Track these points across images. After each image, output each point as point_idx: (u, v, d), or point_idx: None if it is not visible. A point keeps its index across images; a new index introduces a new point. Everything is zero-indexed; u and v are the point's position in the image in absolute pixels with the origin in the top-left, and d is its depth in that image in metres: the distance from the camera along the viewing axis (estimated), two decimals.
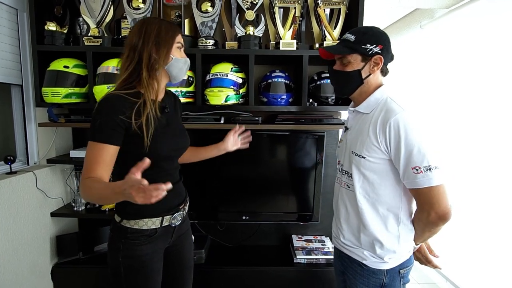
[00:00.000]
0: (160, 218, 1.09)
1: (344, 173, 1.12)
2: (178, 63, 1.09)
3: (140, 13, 1.62)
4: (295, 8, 1.64)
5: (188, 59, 1.14)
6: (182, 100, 1.61)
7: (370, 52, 1.03)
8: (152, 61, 1.01)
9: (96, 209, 1.82)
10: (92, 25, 1.63)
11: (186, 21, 1.72)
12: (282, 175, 1.85)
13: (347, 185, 1.10)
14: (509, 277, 1.85)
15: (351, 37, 1.05)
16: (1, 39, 1.55)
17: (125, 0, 1.63)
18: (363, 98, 1.08)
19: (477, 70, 2.20)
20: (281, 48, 1.61)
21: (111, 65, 1.54)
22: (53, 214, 1.77)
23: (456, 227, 2.01)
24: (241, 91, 1.63)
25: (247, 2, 1.65)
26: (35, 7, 1.56)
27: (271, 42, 1.71)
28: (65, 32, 1.65)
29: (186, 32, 1.71)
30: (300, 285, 1.78)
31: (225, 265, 1.79)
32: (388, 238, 1.03)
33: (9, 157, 1.53)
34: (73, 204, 1.82)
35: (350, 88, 1.09)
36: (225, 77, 1.59)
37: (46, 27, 1.58)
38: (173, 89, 1.57)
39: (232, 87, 1.59)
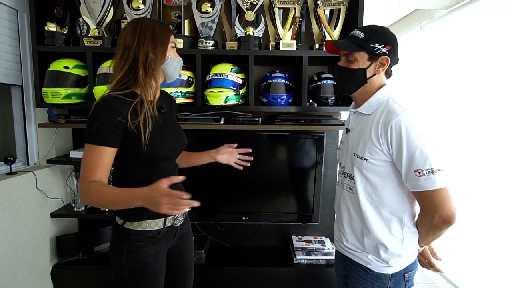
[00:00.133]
0: (163, 219, 1.09)
1: (346, 176, 1.10)
2: (173, 62, 1.10)
3: (140, 14, 1.63)
4: (295, 8, 1.64)
5: (181, 59, 1.15)
6: (182, 100, 1.61)
7: (377, 52, 1.01)
8: (149, 60, 1.01)
9: (96, 210, 1.81)
10: (92, 26, 1.64)
11: (186, 21, 1.72)
12: (282, 175, 1.85)
13: (350, 187, 1.08)
14: (510, 278, 1.85)
15: (360, 34, 1.02)
16: (1, 39, 1.55)
17: (125, 0, 1.63)
18: (365, 98, 1.06)
19: (477, 71, 2.20)
20: (281, 49, 1.61)
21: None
22: (53, 215, 1.77)
23: (455, 228, 2.01)
24: (241, 91, 1.63)
25: (247, 2, 1.65)
26: (35, 7, 1.56)
27: (271, 43, 1.71)
28: (65, 32, 1.66)
29: (186, 33, 1.71)
30: (300, 286, 1.78)
31: (225, 266, 1.79)
32: (392, 242, 1.01)
33: (9, 158, 1.53)
34: (73, 205, 1.82)
35: (352, 86, 1.07)
36: (225, 77, 1.59)
37: (46, 28, 1.58)
38: (173, 90, 1.57)
39: (232, 87, 1.59)
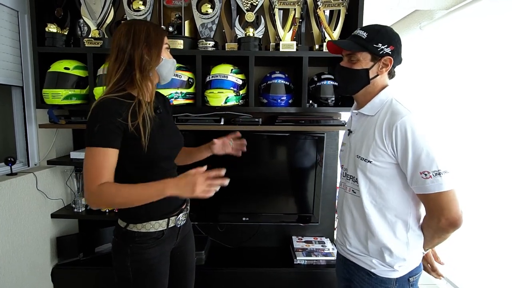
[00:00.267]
0: (166, 219, 1.09)
1: (349, 178, 1.08)
2: (168, 63, 1.09)
3: (140, 15, 1.63)
4: (294, 9, 1.64)
5: (175, 60, 1.15)
6: (182, 101, 1.61)
7: (381, 52, 0.99)
8: (144, 62, 1.01)
9: (96, 211, 1.82)
10: (93, 27, 1.64)
11: (186, 22, 1.73)
12: (282, 176, 1.85)
13: (353, 190, 1.06)
14: (510, 279, 1.85)
15: (363, 34, 1.00)
16: (2, 41, 1.56)
17: (126, 2, 1.64)
18: (367, 99, 1.04)
19: (477, 71, 2.20)
20: (281, 50, 1.61)
21: None
22: (53, 215, 1.77)
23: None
24: (241, 92, 1.63)
25: (247, 3, 1.66)
26: (36, 9, 1.57)
27: (271, 44, 1.71)
28: (66, 33, 1.66)
29: (186, 34, 1.72)
30: (300, 287, 1.78)
31: (225, 267, 1.79)
32: (397, 245, 0.99)
33: (9, 159, 1.54)
34: (73, 205, 1.82)
35: (355, 87, 1.05)
36: (225, 78, 1.59)
37: (46, 29, 1.59)
38: (173, 91, 1.57)
39: (232, 88, 1.60)
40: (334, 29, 1.66)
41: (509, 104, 1.93)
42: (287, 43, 1.62)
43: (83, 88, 1.61)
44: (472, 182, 2.16)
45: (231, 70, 1.62)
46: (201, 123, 1.66)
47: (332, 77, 1.68)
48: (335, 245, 1.91)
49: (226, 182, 0.92)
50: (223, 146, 1.33)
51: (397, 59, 1.03)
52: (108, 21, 1.65)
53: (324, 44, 1.62)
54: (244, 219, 1.82)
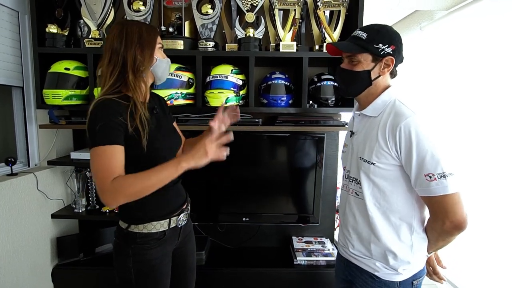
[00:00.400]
0: (168, 219, 1.09)
1: (351, 180, 1.06)
2: (162, 63, 1.10)
3: (140, 15, 1.63)
4: (295, 10, 1.64)
5: (169, 59, 1.14)
6: (183, 102, 1.62)
7: (381, 53, 0.97)
8: (137, 63, 1.01)
9: (97, 211, 1.82)
10: (93, 27, 1.64)
11: (187, 23, 1.73)
12: (282, 176, 1.85)
13: (356, 192, 1.04)
14: (509, 280, 1.85)
15: (363, 34, 0.98)
16: (2, 41, 1.56)
17: (126, 2, 1.64)
18: (370, 100, 1.03)
19: (477, 71, 2.21)
20: (281, 50, 1.61)
21: None
22: (53, 216, 1.77)
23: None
24: (241, 92, 1.63)
25: (247, 4, 1.66)
26: (36, 9, 1.57)
27: (271, 44, 1.71)
28: (66, 34, 1.66)
29: (187, 34, 1.72)
30: (300, 287, 1.78)
31: (225, 267, 1.79)
32: (401, 249, 0.98)
33: (10, 159, 1.54)
34: (74, 206, 1.82)
35: (357, 89, 1.04)
36: (225, 79, 1.60)
37: (47, 30, 1.59)
38: (173, 91, 1.57)
39: (232, 89, 1.60)
40: (334, 30, 1.66)
41: (509, 104, 1.93)
42: (287, 43, 1.62)
43: (84, 89, 1.61)
44: (474, 183, 2.16)
45: (231, 70, 1.62)
46: (201, 124, 1.66)
47: (332, 77, 1.68)
48: (336, 246, 1.91)
49: (231, 136, 1.00)
50: (221, 124, 1.26)
51: (399, 58, 1.01)
52: (109, 21, 1.65)
53: (325, 44, 1.63)
54: (244, 219, 1.83)
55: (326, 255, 1.82)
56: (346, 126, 1.70)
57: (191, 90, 1.64)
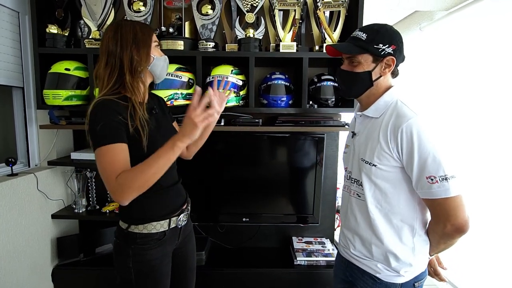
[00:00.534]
0: (168, 220, 1.09)
1: (353, 181, 1.05)
2: (160, 61, 1.09)
3: (141, 16, 1.63)
4: (295, 10, 1.65)
5: (166, 57, 1.13)
6: (183, 102, 1.62)
7: (382, 53, 0.95)
8: (134, 63, 1.00)
9: (97, 211, 1.82)
10: (93, 28, 1.64)
11: (187, 23, 1.73)
12: (282, 177, 1.85)
13: (357, 194, 1.03)
14: (509, 280, 1.85)
15: (362, 35, 0.97)
16: (3, 42, 1.56)
17: (126, 3, 1.64)
18: (372, 101, 1.02)
19: (477, 72, 2.21)
20: (281, 51, 1.61)
21: None
22: (53, 216, 1.78)
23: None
24: (241, 93, 1.63)
25: (247, 4, 1.66)
26: (36, 10, 1.57)
27: (271, 45, 1.72)
28: (66, 34, 1.66)
29: (187, 35, 1.72)
30: (300, 287, 1.78)
31: (225, 267, 1.79)
32: (402, 251, 0.97)
33: (10, 159, 1.54)
34: (74, 206, 1.82)
35: (358, 90, 1.03)
36: (225, 79, 1.60)
37: (47, 30, 1.59)
38: (173, 91, 1.58)
39: (232, 89, 1.60)
40: (334, 30, 1.66)
41: (510, 105, 1.93)
42: (287, 44, 1.62)
43: (84, 89, 1.61)
44: (476, 184, 2.16)
45: (231, 71, 1.62)
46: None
47: (332, 78, 1.68)
48: (336, 247, 1.91)
49: (210, 92, 0.97)
50: (219, 99, 1.21)
51: (400, 58, 0.99)
52: (109, 22, 1.65)
53: (325, 45, 1.63)
54: (244, 219, 1.83)
55: (326, 255, 1.82)
56: (346, 126, 1.70)
57: (191, 91, 1.64)
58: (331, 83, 1.67)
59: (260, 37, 1.67)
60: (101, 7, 1.62)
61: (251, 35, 1.62)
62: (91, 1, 1.61)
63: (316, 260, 1.80)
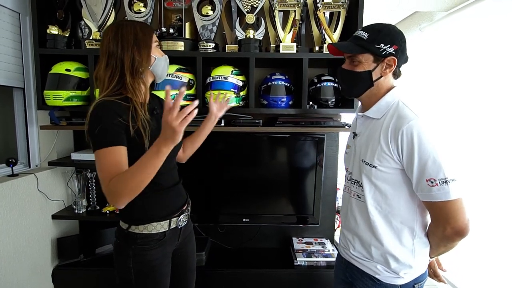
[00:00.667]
0: (168, 220, 1.09)
1: (353, 182, 1.05)
2: (161, 61, 1.09)
3: (141, 17, 1.64)
4: (295, 11, 1.65)
5: (167, 56, 1.13)
6: (183, 103, 1.60)
7: (383, 53, 0.95)
8: (136, 64, 1.00)
9: (97, 212, 1.82)
10: (94, 29, 1.65)
11: (187, 24, 1.73)
12: (282, 177, 1.86)
13: (357, 195, 1.03)
14: (509, 281, 1.85)
15: (364, 34, 0.96)
16: (3, 42, 1.57)
17: (127, 4, 1.65)
18: (373, 102, 1.01)
19: (477, 73, 2.21)
20: (281, 51, 1.62)
21: None
22: (54, 217, 1.78)
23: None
24: (241, 93, 1.64)
25: (248, 5, 1.66)
26: (37, 11, 1.57)
27: (271, 45, 1.72)
28: (67, 35, 1.67)
29: (187, 35, 1.72)
30: None
31: (225, 268, 1.79)
32: (402, 253, 0.97)
33: (10, 160, 1.54)
34: (74, 207, 1.83)
35: (358, 90, 1.02)
36: (226, 80, 1.60)
37: (48, 31, 1.59)
38: (173, 92, 1.58)
39: (232, 89, 1.60)
40: (334, 31, 1.67)
41: (510, 105, 1.93)
42: (287, 44, 1.62)
43: (84, 90, 1.62)
44: (476, 186, 2.16)
45: (232, 71, 1.62)
46: (201, 124, 1.67)
47: (332, 78, 1.69)
48: (336, 247, 1.91)
49: (196, 102, 0.86)
50: (219, 106, 1.31)
51: (402, 58, 0.98)
52: (109, 23, 1.65)
53: (325, 45, 1.63)
54: (244, 220, 1.83)
55: (326, 256, 1.82)
56: (346, 127, 1.70)
57: (191, 91, 1.64)
58: (331, 84, 1.67)
59: (260, 38, 1.67)
60: (102, 8, 1.62)
61: (251, 36, 1.62)
62: (92, 2, 1.62)
63: (316, 261, 1.80)
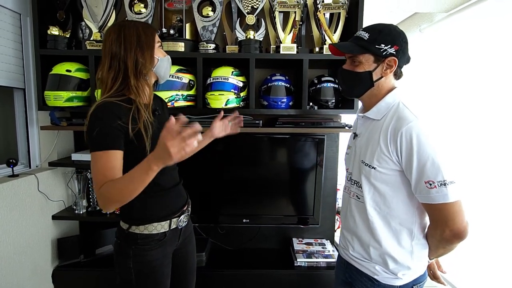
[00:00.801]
0: (168, 221, 1.09)
1: (353, 183, 1.05)
2: (164, 62, 1.09)
3: (141, 18, 1.64)
4: (295, 12, 1.65)
5: (169, 57, 1.13)
6: (183, 103, 1.62)
7: (384, 53, 0.94)
8: (139, 66, 1.00)
9: (97, 212, 1.83)
10: (94, 30, 1.65)
11: (187, 25, 1.74)
12: (282, 178, 1.86)
13: (357, 196, 1.03)
14: (509, 282, 1.85)
15: (364, 34, 0.96)
16: (4, 43, 1.57)
17: (127, 4, 1.65)
18: (373, 102, 1.01)
19: (477, 74, 2.21)
20: (281, 52, 1.62)
21: None
22: (54, 217, 1.78)
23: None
24: (241, 94, 1.64)
25: (248, 6, 1.67)
26: (38, 11, 1.58)
27: (271, 46, 1.72)
28: (68, 36, 1.67)
29: (187, 36, 1.73)
30: None
31: (225, 268, 1.80)
32: (401, 254, 0.97)
33: (11, 160, 1.54)
34: (74, 207, 1.83)
35: (359, 90, 1.02)
36: (226, 80, 1.60)
37: (49, 32, 1.60)
38: (174, 93, 1.58)
39: (232, 90, 1.60)
40: (334, 32, 1.67)
41: (510, 107, 1.93)
42: (288, 45, 1.62)
43: (85, 90, 1.62)
44: (476, 186, 2.16)
45: (232, 72, 1.63)
46: (202, 125, 1.65)
47: (332, 79, 1.69)
48: (337, 248, 1.91)
49: (199, 128, 0.79)
50: (222, 127, 1.30)
51: (403, 59, 0.98)
52: (110, 23, 1.66)
53: (325, 46, 1.63)
54: (244, 220, 1.83)
55: (326, 256, 1.82)
56: (346, 127, 1.70)
57: (192, 92, 1.64)
58: (331, 85, 1.67)
59: (261, 39, 1.67)
60: (102, 9, 1.62)
61: (252, 37, 1.62)
62: (92, 2, 1.62)
63: (317, 262, 1.80)
